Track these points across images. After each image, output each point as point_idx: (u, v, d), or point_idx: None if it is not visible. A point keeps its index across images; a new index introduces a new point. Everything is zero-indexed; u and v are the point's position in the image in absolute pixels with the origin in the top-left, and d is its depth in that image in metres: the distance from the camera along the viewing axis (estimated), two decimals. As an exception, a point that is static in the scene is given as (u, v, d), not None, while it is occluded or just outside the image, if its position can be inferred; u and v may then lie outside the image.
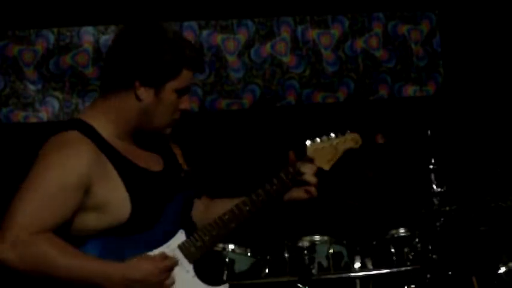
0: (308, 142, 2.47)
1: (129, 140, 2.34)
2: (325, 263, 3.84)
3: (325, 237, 3.90)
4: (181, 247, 2.33)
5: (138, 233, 2.26)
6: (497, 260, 3.56)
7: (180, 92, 2.30)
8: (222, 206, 2.47)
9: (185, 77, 2.29)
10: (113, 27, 4.90)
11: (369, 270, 3.80)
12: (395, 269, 3.80)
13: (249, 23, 5.01)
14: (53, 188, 2.15)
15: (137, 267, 2.19)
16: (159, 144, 2.44)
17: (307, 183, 2.48)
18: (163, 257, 2.26)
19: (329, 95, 5.07)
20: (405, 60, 5.13)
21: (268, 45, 5.02)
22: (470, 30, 5.04)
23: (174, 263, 2.28)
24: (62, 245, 2.14)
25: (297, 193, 2.51)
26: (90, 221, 2.21)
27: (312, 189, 2.49)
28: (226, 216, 2.39)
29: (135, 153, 2.34)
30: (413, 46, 5.14)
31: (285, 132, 4.87)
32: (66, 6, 4.79)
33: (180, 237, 2.34)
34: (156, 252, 2.28)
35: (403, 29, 5.14)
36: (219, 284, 2.41)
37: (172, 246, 2.32)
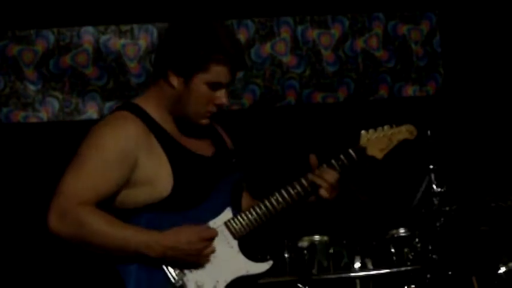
0: (363, 131, 2.52)
1: (180, 125, 2.44)
2: (325, 263, 3.84)
3: (325, 237, 3.90)
4: (227, 224, 2.42)
5: (183, 210, 2.35)
6: (497, 260, 3.57)
7: (213, 86, 2.37)
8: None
9: (216, 71, 2.35)
10: (113, 27, 4.90)
11: (369, 270, 3.80)
12: (395, 269, 3.80)
13: (249, 23, 5.01)
14: (100, 162, 2.26)
15: (174, 234, 2.28)
16: (210, 132, 2.54)
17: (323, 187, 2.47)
18: (202, 227, 2.35)
19: (329, 95, 5.07)
20: (405, 60, 5.13)
21: (268, 45, 5.02)
22: (470, 30, 5.04)
23: (213, 233, 2.36)
24: (103, 214, 2.25)
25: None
26: (134, 196, 2.32)
27: (323, 191, 2.46)
28: (274, 198, 2.46)
29: (185, 137, 2.44)
30: (413, 46, 5.14)
31: (285, 132, 4.87)
32: (66, 6, 4.78)
33: (227, 214, 2.43)
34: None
35: (403, 29, 5.14)
36: (263, 261, 2.48)
37: (218, 223, 2.40)
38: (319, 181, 2.46)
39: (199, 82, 2.36)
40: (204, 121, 2.44)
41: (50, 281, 4.49)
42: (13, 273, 4.52)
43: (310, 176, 2.48)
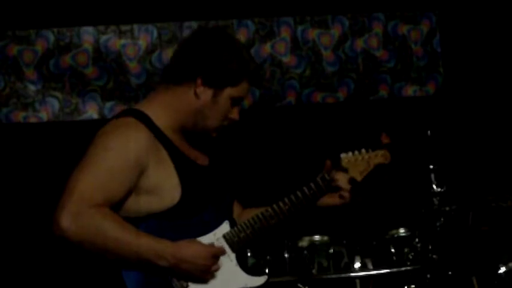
0: (342, 154, 2.58)
1: (180, 133, 2.44)
2: (325, 263, 3.85)
3: (325, 237, 3.91)
4: (226, 236, 2.44)
5: (185, 219, 2.36)
6: (497, 260, 3.57)
7: (235, 101, 2.44)
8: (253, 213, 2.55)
9: (243, 87, 2.43)
10: (113, 27, 4.89)
11: (369, 270, 3.81)
12: (395, 269, 3.81)
13: (249, 23, 5.01)
14: (112, 166, 2.25)
15: (188, 247, 2.30)
16: (203, 143, 2.54)
17: (340, 190, 2.59)
18: (212, 245, 2.38)
19: (329, 95, 5.07)
20: (405, 60, 5.13)
21: (268, 45, 5.02)
22: (470, 30, 5.04)
23: (222, 251, 2.39)
24: (118, 219, 2.23)
25: (331, 199, 2.61)
26: (140, 203, 2.31)
27: (346, 194, 2.59)
28: (268, 213, 2.49)
29: (185, 146, 2.44)
30: (413, 46, 5.14)
31: (284, 133, 4.87)
32: (66, 6, 4.78)
33: (225, 227, 2.45)
34: (202, 238, 2.38)
35: (403, 29, 5.14)
36: (259, 275, 2.50)
37: (217, 235, 2.43)
38: (340, 183, 2.55)
39: (227, 96, 2.40)
40: (215, 134, 2.48)
41: (49, 283, 4.48)
42: (12, 275, 4.51)
43: (330, 175, 2.53)
